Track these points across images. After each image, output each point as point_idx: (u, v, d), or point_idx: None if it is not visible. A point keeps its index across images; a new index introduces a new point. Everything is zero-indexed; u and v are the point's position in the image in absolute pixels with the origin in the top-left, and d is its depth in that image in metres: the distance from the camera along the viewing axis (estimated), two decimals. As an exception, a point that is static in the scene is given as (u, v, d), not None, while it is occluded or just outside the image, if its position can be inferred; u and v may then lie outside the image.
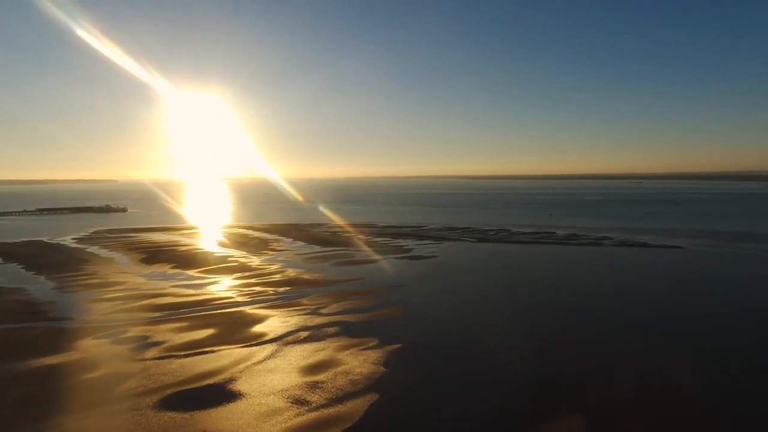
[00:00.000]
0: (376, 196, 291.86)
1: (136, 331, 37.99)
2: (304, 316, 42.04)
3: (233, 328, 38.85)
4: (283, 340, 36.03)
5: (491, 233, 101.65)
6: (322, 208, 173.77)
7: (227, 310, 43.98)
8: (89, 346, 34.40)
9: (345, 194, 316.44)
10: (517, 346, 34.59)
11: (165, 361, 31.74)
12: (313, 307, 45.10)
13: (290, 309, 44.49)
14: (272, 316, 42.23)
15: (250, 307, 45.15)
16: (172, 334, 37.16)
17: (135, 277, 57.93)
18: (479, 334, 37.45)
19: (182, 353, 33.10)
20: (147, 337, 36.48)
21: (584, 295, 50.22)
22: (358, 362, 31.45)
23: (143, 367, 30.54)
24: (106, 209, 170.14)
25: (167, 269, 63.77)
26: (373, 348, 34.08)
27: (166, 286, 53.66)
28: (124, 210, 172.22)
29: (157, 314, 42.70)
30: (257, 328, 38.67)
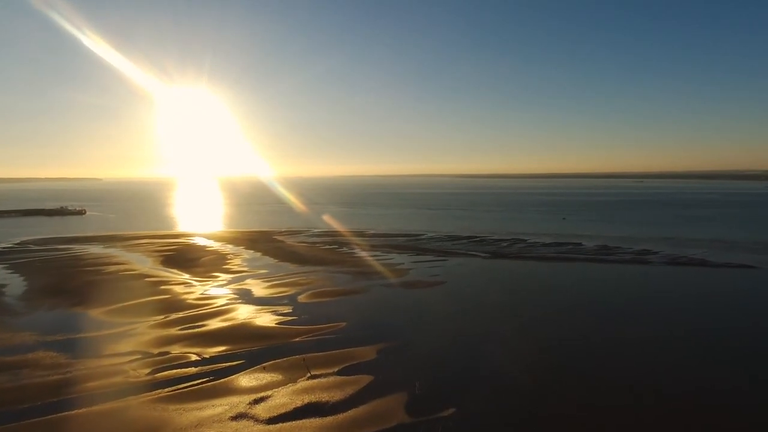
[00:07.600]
0: (368, 197, 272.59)
1: None
2: (228, 425, 23.57)
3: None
4: None
5: (504, 245, 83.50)
6: (306, 211, 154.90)
7: (94, 409, 25.34)
8: None
9: (336, 194, 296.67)
10: None
11: None
12: (251, 397, 26.62)
13: (208, 403, 25.97)
14: (166, 425, 23.66)
15: (140, 397, 26.54)
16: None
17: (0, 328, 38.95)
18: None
19: None
20: None
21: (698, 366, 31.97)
22: None
23: None
24: (61, 211, 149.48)
25: (65, 307, 44.94)
26: None
27: (35, 343, 34.76)
28: (81, 212, 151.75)
29: (-37, 421, 24.02)
30: (121, 469, 20.14)
